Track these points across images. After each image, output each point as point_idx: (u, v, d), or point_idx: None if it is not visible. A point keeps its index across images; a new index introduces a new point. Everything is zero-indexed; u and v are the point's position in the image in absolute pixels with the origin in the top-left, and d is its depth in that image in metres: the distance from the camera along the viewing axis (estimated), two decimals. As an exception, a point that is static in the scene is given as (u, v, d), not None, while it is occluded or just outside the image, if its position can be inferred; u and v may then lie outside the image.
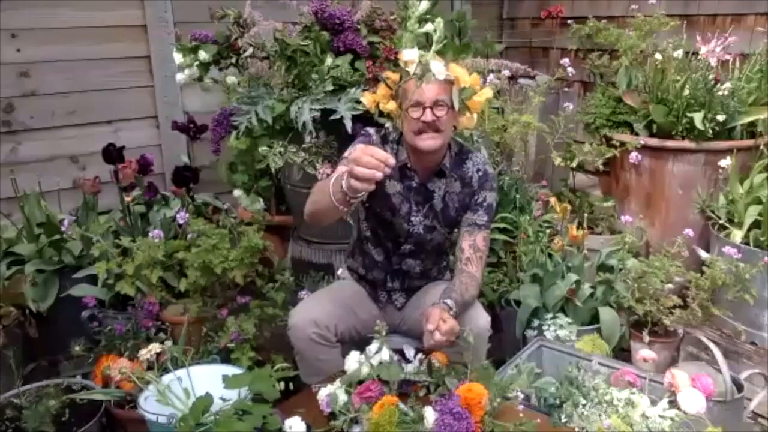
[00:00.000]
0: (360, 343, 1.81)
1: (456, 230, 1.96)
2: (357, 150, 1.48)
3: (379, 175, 1.45)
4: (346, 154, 1.84)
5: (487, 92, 1.81)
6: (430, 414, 1.46)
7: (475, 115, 1.83)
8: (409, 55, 1.74)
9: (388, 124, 1.99)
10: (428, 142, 1.76)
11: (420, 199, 1.90)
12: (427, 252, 1.98)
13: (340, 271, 2.20)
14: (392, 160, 1.47)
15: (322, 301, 1.93)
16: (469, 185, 1.90)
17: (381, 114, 2.19)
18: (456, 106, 1.75)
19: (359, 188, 1.47)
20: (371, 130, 1.90)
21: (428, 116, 1.73)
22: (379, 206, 1.90)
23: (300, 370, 1.88)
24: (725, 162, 2.52)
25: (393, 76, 1.81)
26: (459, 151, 1.93)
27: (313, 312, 1.85)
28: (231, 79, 2.48)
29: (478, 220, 1.89)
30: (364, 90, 2.13)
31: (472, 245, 1.88)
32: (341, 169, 1.79)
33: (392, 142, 1.89)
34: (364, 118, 2.16)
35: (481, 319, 1.84)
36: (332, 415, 1.55)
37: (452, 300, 1.72)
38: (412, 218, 1.90)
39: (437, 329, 1.60)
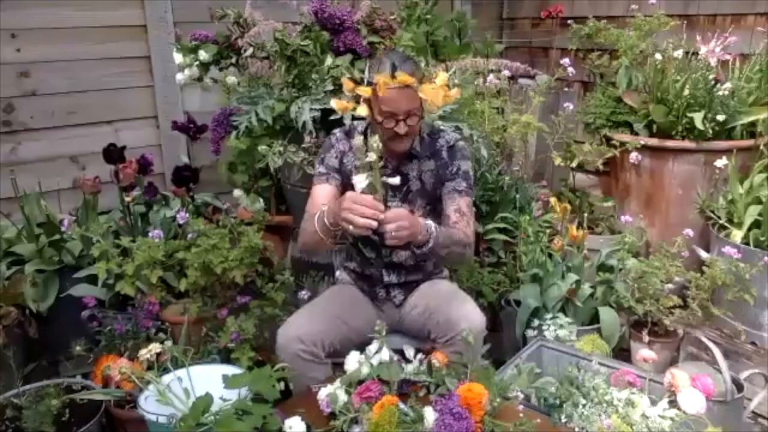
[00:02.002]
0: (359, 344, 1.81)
1: (437, 207, 1.99)
2: (347, 200, 1.61)
3: (374, 224, 1.59)
4: (315, 169, 1.97)
5: (442, 77, 1.82)
6: (430, 414, 1.46)
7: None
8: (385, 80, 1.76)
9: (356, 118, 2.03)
10: (402, 145, 1.84)
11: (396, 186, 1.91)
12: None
13: (338, 273, 2.20)
14: (381, 207, 1.60)
15: (309, 317, 1.89)
16: (441, 158, 1.95)
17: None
18: (425, 109, 1.83)
19: (354, 233, 1.64)
20: (336, 131, 1.98)
21: (402, 129, 1.79)
22: None
23: (293, 389, 1.84)
24: (721, 162, 2.52)
25: (365, 91, 1.80)
26: (430, 132, 1.97)
27: (299, 329, 1.82)
28: (231, 79, 2.48)
29: (457, 186, 1.92)
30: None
31: (457, 210, 1.89)
32: (321, 189, 1.90)
33: (357, 134, 1.93)
34: (364, 118, 2.16)
35: (476, 316, 1.83)
36: (332, 415, 1.55)
37: (434, 225, 1.78)
38: (390, 204, 1.89)
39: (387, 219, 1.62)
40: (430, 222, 1.78)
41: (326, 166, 1.94)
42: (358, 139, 1.67)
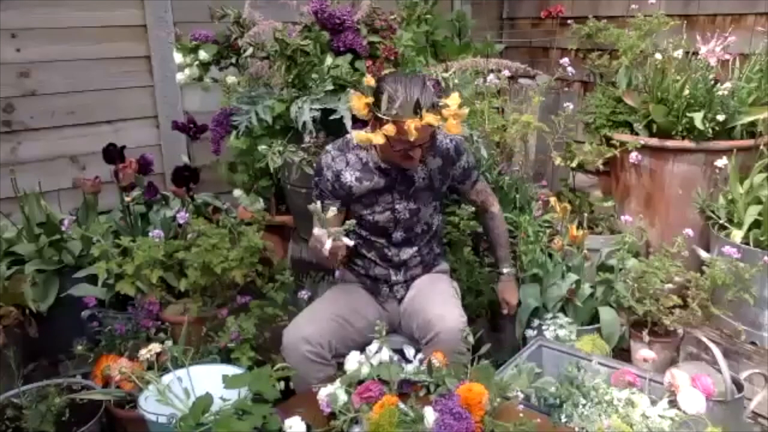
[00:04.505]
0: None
1: (440, 202, 2.10)
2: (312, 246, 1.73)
3: (325, 250, 1.68)
4: (313, 192, 1.96)
5: (455, 100, 1.80)
6: (430, 414, 1.46)
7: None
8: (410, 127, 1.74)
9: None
10: (412, 164, 1.86)
11: (403, 187, 1.94)
12: (419, 235, 2.02)
13: (338, 273, 2.19)
14: (326, 243, 1.67)
15: (314, 318, 1.90)
16: (448, 156, 1.98)
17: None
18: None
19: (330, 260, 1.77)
20: (330, 149, 1.95)
21: (417, 154, 1.81)
22: (361, 208, 1.95)
23: (295, 389, 1.85)
24: (722, 162, 2.52)
25: (364, 110, 1.79)
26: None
27: (305, 330, 1.83)
28: (231, 79, 2.48)
29: (472, 178, 2.08)
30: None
31: (482, 191, 2.13)
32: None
33: (354, 148, 1.93)
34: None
35: (452, 317, 1.83)
36: (332, 415, 1.55)
37: (509, 265, 2.20)
38: (397, 206, 1.94)
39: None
40: (510, 269, 2.21)
41: (320, 191, 1.94)
42: (312, 206, 1.68)
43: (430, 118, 1.72)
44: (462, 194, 2.15)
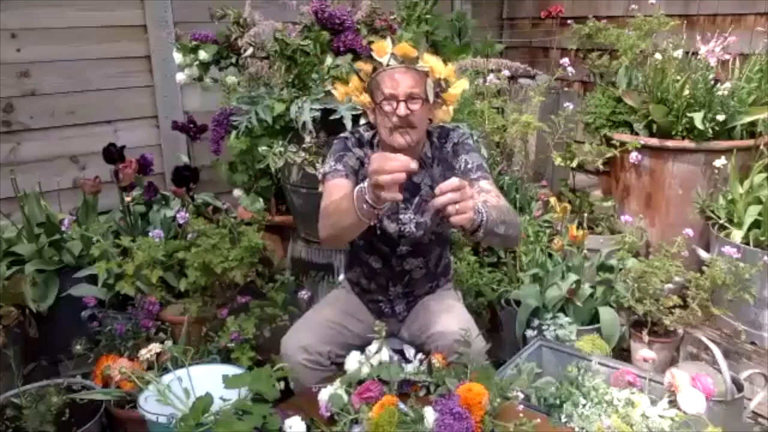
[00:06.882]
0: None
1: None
2: (375, 160, 1.41)
3: (402, 176, 1.37)
4: (328, 166, 1.79)
5: (463, 84, 1.76)
6: (430, 414, 1.46)
7: (451, 108, 1.79)
8: (382, 46, 1.70)
9: (362, 122, 1.96)
10: (402, 139, 1.68)
11: (407, 195, 1.81)
12: (428, 246, 1.90)
13: (341, 278, 2.18)
14: (414, 165, 1.38)
15: (312, 326, 1.87)
16: (446, 161, 1.83)
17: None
18: (431, 98, 1.71)
19: (387, 198, 1.41)
20: (347, 134, 1.86)
21: (402, 110, 1.65)
22: None
23: (294, 389, 1.82)
24: (720, 162, 2.52)
25: (366, 67, 1.74)
26: (439, 134, 1.86)
27: (303, 339, 1.81)
28: (231, 79, 2.49)
29: (471, 175, 1.75)
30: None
31: (479, 192, 1.69)
32: (340, 182, 1.71)
33: (366, 144, 1.84)
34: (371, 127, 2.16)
35: (475, 343, 1.74)
36: (332, 416, 1.55)
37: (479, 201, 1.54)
38: (401, 216, 1.84)
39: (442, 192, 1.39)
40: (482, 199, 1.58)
41: (345, 165, 1.77)
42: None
43: (403, 46, 1.67)
44: None
